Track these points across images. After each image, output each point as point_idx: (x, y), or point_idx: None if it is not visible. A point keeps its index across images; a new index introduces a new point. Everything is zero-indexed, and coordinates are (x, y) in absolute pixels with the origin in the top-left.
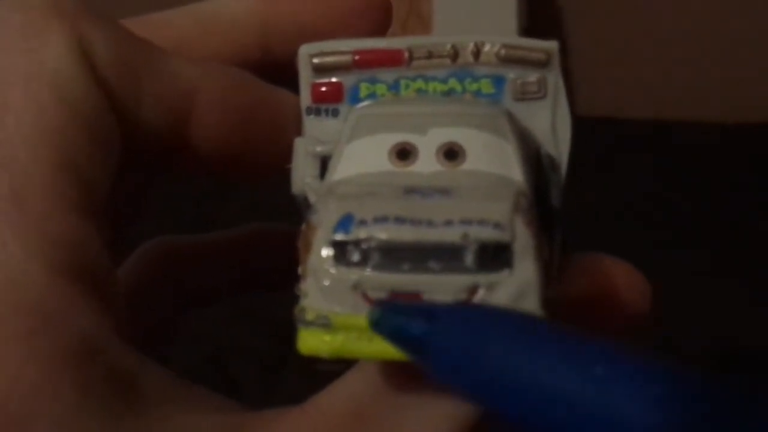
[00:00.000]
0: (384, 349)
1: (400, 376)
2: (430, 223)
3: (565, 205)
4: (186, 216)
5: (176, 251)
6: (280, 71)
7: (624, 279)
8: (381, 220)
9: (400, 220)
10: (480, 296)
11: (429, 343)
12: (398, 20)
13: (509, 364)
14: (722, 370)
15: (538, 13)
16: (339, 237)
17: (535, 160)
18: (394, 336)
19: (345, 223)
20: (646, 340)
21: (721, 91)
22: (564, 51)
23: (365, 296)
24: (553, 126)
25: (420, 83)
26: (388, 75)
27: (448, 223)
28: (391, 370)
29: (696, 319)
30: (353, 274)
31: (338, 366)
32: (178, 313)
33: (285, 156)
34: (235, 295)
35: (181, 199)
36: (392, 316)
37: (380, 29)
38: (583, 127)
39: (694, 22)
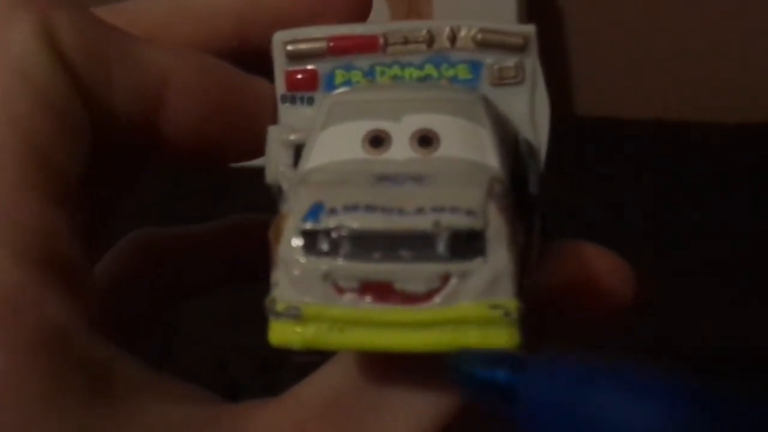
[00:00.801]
0: (356, 339)
1: (379, 368)
2: (401, 211)
3: (544, 191)
4: (183, 213)
5: (158, 243)
6: (258, 59)
7: (605, 265)
8: (351, 208)
9: (370, 208)
10: (452, 285)
11: (519, 392)
12: (398, 20)
13: (604, 417)
14: (723, 370)
15: (538, 13)
16: (308, 226)
17: (512, 146)
18: (481, 385)
19: (315, 211)
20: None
21: (722, 91)
22: (561, 49)
23: (336, 286)
24: (531, 111)
25: (396, 69)
26: (363, 61)
27: (420, 210)
28: (369, 361)
29: (696, 319)
30: (323, 264)
31: (313, 357)
32: (161, 306)
33: (260, 143)
34: (218, 286)
35: (178, 197)
36: (474, 363)
37: (359, 16)
38: (583, 127)
39: (695, 22)
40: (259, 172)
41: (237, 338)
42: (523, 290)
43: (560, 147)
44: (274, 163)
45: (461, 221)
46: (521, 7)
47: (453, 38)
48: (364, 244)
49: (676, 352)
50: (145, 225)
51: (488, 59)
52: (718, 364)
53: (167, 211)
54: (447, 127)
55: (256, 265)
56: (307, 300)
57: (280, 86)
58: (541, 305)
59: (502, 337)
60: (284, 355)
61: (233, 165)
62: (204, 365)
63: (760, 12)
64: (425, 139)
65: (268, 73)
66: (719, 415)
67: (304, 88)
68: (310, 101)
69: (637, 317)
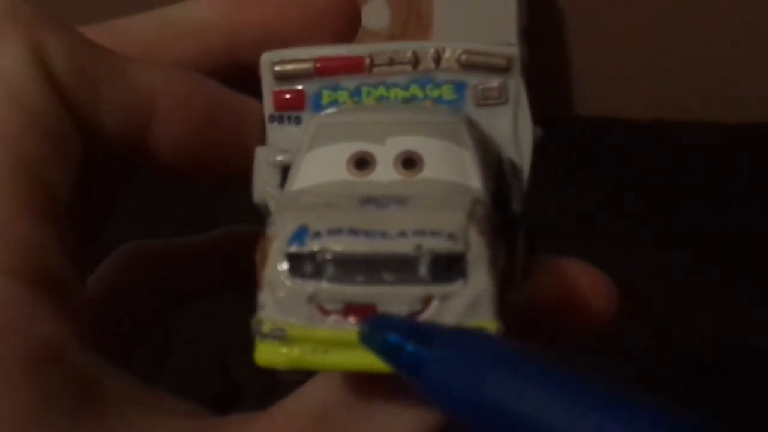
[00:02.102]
0: (340, 361)
1: (365, 383)
2: (384, 235)
3: (528, 210)
4: (178, 218)
5: (149, 255)
6: (247, 77)
7: (589, 283)
8: (335, 231)
9: (354, 231)
10: (434, 307)
11: (423, 365)
12: (398, 20)
13: (505, 399)
14: (723, 371)
15: (538, 13)
16: (293, 249)
17: (496, 166)
18: (386, 354)
19: (300, 235)
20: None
21: (721, 91)
22: (561, 49)
23: (321, 308)
24: (515, 131)
25: (381, 90)
26: (349, 82)
27: (402, 234)
28: (354, 376)
29: (696, 318)
30: (308, 286)
31: (298, 377)
32: (156, 317)
33: (249, 162)
34: (213, 297)
35: (174, 202)
36: (385, 332)
37: (348, 35)
38: (583, 127)
39: (694, 22)
40: (249, 182)
41: (237, 339)
42: (504, 310)
43: (560, 147)
44: (262, 183)
45: (442, 245)
46: (521, 8)
47: (438, 59)
48: (347, 267)
49: (676, 352)
50: (141, 229)
51: (472, 80)
52: (718, 364)
53: (162, 215)
54: (430, 149)
55: (249, 276)
56: (292, 321)
57: (268, 106)
58: (525, 322)
59: None
60: (269, 373)
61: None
62: (204, 366)
63: (760, 12)
64: (409, 161)
65: (256, 91)
66: None
67: (292, 108)
68: (298, 121)
69: (636, 319)
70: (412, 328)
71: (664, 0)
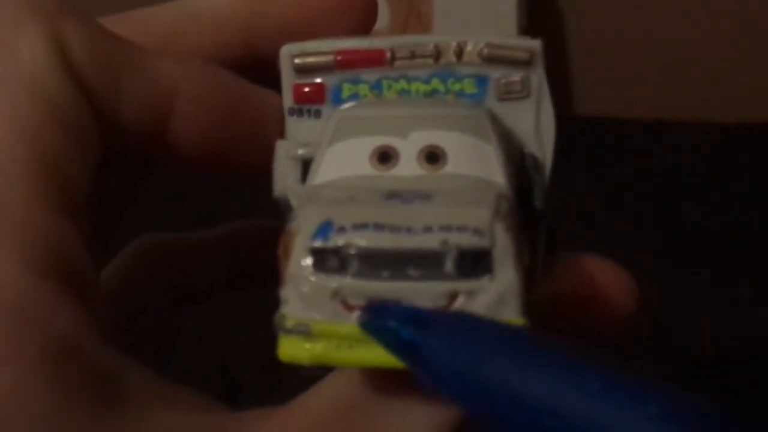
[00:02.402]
0: (364, 356)
1: (385, 380)
2: (409, 230)
3: (549, 205)
4: (187, 214)
5: (163, 249)
6: (264, 70)
7: (610, 279)
8: (360, 227)
9: (379, 226)
10: (460, 303)
11: (421, 349)
12: (398, 20)
13: (504, 378)
14: (723, 371)
15: (538, 13)
16: (318, 244)
17: (518, 160)
18: (385, 339)
19: (324, 230)
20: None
21: (721, 91)
22: (561, 49)
23: (345, 304)
24: (537, 126)
25: (403, 84)
26: (370, 75)
27: (428, 229)
28: (375, 373)
29: (696, 319)
30: (332, 282)
31: (321, 372)
32: (169, 312)
33: (268, 155)
34: (225, 292)
35: (182, 197)
36: (384, 319)
37: (365, 27)
38: (583, 127)
39: (694, 22)
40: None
41: (239, 339)
42: (529, 307)
43: (560, 147)
44: (282, 177)
45: (469, 240)
46: (521, 7)
47: (460, 53)
48: (372, 262)
49: (676, 352)
50: (149, 225)
51: (495, 74)
52: (718, 364)
53: (171, 211)
54: (454, 143)
55: (260, 271)
56: (316, 317)
57: (288, 99)
58: (546, 320)
59: None
60: (292, 368)
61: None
62: (206, 366)
63: (760, 12)
64: (432, 156)
65: (274, 83)
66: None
67: (312, 101)
68: (318, 114)
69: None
70: (410, 314)
71: (664, 1)
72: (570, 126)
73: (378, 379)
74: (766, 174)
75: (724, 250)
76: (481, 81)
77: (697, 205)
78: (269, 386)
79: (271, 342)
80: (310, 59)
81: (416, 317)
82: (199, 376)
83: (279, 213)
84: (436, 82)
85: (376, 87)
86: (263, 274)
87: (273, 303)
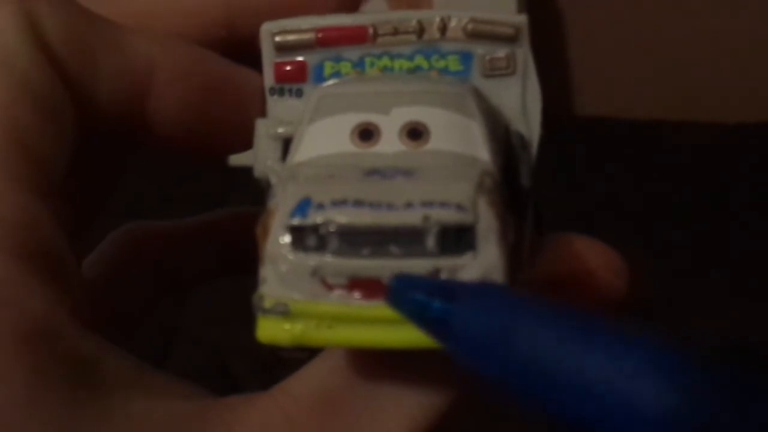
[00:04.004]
0: (345, 336)
1: (370, 362)
2: (390, 206)
3: (536, 184)
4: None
5: (149, 235)
6: (246, 49)
7: (598, 258)
8: (339, 203)
9: (359, 203)
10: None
11: (451, 322)
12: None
13: (535, 347)
14: None
15: (538, 13)
16: (296, 222)
17: (504, 138)
18: (415, 314)
19: (302, 207)
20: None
21: (721, 91)
22: (561, 49)
23: (324, 282)
24: (523, 103)
25: (386, 61)
26: (352, 53)
27: (409, 205)
28: (360, 355)
29: (695, 317)
30: (312, 260)
31: (301, 354)
32: (155, 298)
33: (248, 135)
34: (212, 279)
35: (176, 200)
36: (412, 292)
37: (350, 6)
38: (582, 127)
39: (694, 23)
40: None
41: (237, 338)
42: (515, 286)
43: (560, 147)
44: (263, 156)
45: (451, 216)
46: (521, 8)
47: (443, 29)
48: (352, 239)
49: None
50: (137, 211)
51: (479, 50)
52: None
53: (165, 214)
54: (437, 119)
55: (250, 256)
56: (295, 296)
57: (269, 78)
58: None
59: None
60: (272, 350)
61: (232, 166)
62: (204, 365)
63: (759, 12)
64: (415, 132)
65: (255, 64)
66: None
67: (293, 80)
68: (299, 93)
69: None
70: (435, 285)
71: (664, 0)
72: (570, 126)
73: (361, 363)
74: (766, 174)
75: (724, 250)
76: (466, 57)
77: (697, 205)
78: (268, 384)
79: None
80: (291, 37)
81: (444, 289)
82: (198, 374)
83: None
84: (419, 59)
85: (359, 64)
86: (253, 261)
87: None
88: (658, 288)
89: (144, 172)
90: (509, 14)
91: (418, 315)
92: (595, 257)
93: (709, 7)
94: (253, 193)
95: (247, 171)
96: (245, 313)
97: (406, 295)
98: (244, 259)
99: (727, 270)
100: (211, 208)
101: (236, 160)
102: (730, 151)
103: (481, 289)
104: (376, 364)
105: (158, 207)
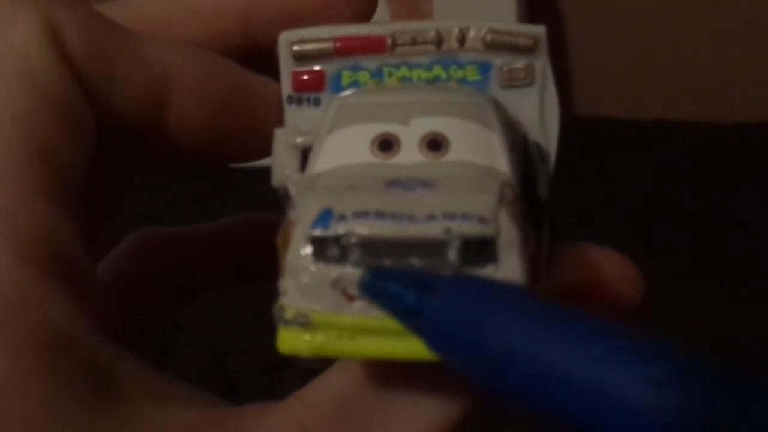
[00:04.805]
0: (366, 348)
1: (386, 373)
2: (411, 218)
3: (553, 195)
4: (187, 216)
5: (160, 241)
6: (263, 58)
7: (613, 268)
8: (361, 215)
9: (380, 214)
10: None
11: (423, 313)
12: (398, 20)
13: (506, 339)
14: None
15: (538, 13)
16: (318, 233)
17: (522, 149)
18: (386, 303)
19: (324, 218)
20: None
21: (721, 91)
22: (561, 49)
23: (346, 294)
24: (541, 114)
25: (404, 71)
26: (370, 62)
27: (431, 217)
28: (376, 366)
29: (695, 318)
30: (333, 271)
31: (320, 364)
32: (165, 304)
33: (266, 144)
34: (224, 284)
35: (181, 200)
36: (385, 281)
37: (366, 15)
38: (583, 127)
39: (694, 22)
40: (263, 173)
41: (238, 340)
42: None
43: (560, 147)
44: (281, 166)
45: (473, 229)
46: (521, 7)
47: (462, 39)
48: (374, 251)
49: None
50: (147, 218)
51: (497, 60)
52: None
53: (171, 213)
54: (457, 130)
55: (260, 263)
56: (316, 307)
57: (286, 87)
58: None
59: None
60: (290, 361)
61: (237, 166)
62: (204, 367)
63: (760, 12)
64: (434, 143)
65: (273, 72)
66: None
67: (311, 89)
68: (317, 102)
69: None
70: (412, 277)
71: (664, 0)
72: (570, 126)
73: (379, 372)
74: (766, 174)
75: (724, 250)
76: (484, 68)
77: (697, 205)
78: (268, 386)
79: (271, 341)
80: (309, 46)
81: (420, 281)
82: (199, 376)
83: (279, 210)
84: (438, 69)
85: (377, 74)
86: (265, 267)
87: (273, 302)
88: (658, 288)
89: (144, 172)
90: (528, 25)
91: (391, 306)
92: (610, 267)
93: (710, 7)
94: (254, 193)
95: (247, 171)
96: (246, 315)
97: (380, 286)
98: (257, 265)
99: (727, 270)
100: (212, 208)
101: None
102: (730, 151)
103: (459, 282)
104: (392, 374)
105: (162, 208)
